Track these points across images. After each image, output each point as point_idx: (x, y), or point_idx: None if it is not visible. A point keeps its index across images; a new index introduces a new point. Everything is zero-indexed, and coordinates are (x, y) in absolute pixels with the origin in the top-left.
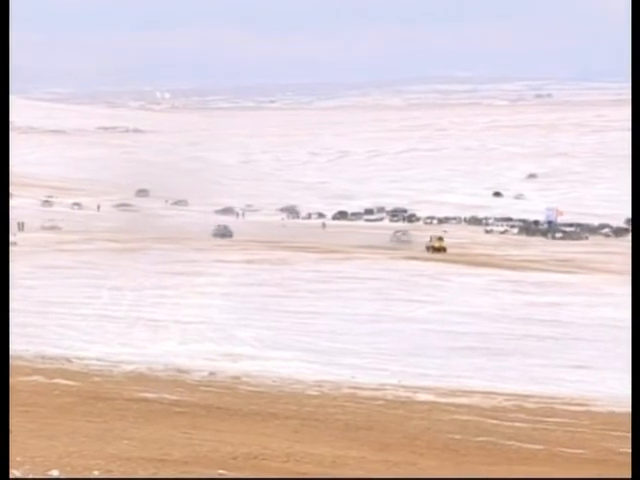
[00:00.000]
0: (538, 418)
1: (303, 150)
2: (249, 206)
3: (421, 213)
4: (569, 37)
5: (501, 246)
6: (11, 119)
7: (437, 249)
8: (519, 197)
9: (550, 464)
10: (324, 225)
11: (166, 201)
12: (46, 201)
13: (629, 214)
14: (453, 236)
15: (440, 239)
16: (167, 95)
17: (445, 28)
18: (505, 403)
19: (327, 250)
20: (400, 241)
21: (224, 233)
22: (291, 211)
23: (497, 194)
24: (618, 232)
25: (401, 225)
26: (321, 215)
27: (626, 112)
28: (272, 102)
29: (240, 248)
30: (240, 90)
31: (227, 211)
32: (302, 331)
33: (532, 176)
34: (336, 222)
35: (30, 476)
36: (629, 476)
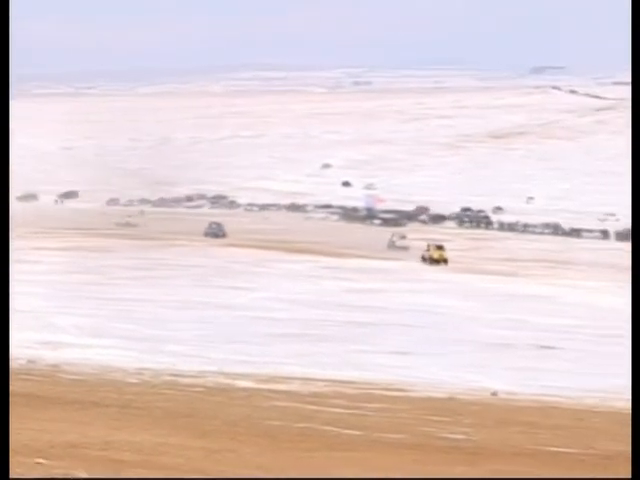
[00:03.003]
0: (357, 404)
1: (124, 137)
2: (70, 193)
3: (242, 200)
4: (388, 26)
5: (321, 233)
6: None
7: (436, 260)
8: (339, 184)
9: (369, 449)
10: (142, 212)
11: None
12: None
13: (448, 200)
14: (274, 222)
15: (440, 248)
16: None
17: (266, 16)
18: (324, 389)
19: (146, 237)
20: (396, 247)
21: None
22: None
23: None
24: (435, 219)
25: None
26: (144, 201)
27: (444, 99)
28: (91, 88)
29: (59, 235)
30: (59, 77)
31: (31, 197)
32: (123, 318)
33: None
34: (156, 209)
35: (30, 476)
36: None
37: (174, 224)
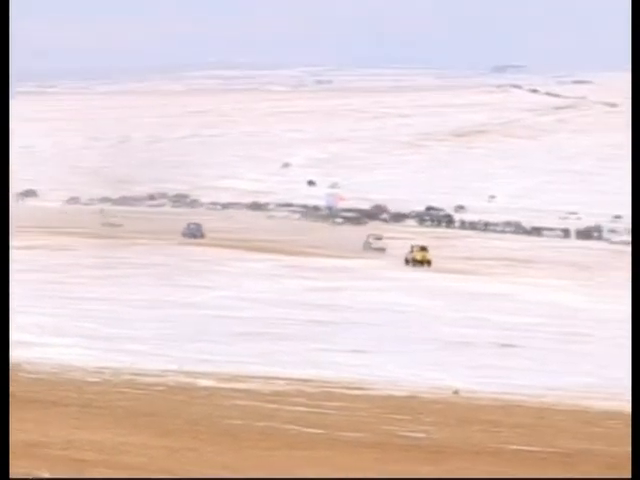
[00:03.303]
0: (318, 402)
1: (83, 135)
2: (29, 191)
3: (204, 199)
4: (349, 25)
5: (282, 232)
6: None
7: (420, 262)
8: (301, 182)
9: (330, 448)
10: (102, 211)
11: None
12: None
13: (410, 199)
14: (237, 220)
15: (423, 249)
16: None
17: (223, 14)
18: (286, 388)
19: (108, 236)
20: (372, 248)
21: None
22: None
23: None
24: (397, 218)
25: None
26: (105, 200)
27: (405, 98)
28: (51, 87)
29: (19, 233)
30: (19, 75)
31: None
32: (84, 317)
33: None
34: (118, 208)
35: (30, 476)
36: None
37: (146, 224)
